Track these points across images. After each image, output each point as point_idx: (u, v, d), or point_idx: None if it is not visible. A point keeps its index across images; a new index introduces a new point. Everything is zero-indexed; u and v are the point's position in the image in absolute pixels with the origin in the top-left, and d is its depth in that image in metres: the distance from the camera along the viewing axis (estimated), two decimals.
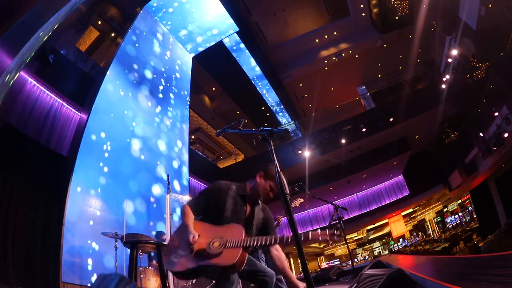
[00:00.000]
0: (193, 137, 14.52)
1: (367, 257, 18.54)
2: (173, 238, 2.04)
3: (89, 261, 4.68)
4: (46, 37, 4.30)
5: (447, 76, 10.17)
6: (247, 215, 2.08)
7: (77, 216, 4.75)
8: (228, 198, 2.03)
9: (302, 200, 4.22)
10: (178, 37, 9.46)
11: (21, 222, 4.36)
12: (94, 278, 4.55)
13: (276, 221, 3.86)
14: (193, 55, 10.12)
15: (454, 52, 9.53)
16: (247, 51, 11.83)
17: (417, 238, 15.61)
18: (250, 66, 12.63)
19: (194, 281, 4.03)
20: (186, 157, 8.12)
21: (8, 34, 3.82)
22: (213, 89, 13.86)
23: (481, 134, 9.85)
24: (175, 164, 7.61)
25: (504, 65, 7.86)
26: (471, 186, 11.71)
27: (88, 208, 4.99)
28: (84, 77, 6.36)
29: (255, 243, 1.88)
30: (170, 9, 8.71)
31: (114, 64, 6.60)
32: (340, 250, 21.18)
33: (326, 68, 14.67)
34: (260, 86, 13.93)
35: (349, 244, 5.61)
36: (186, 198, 5.48)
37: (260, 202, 2.13)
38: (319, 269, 16.33)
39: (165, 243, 4.25)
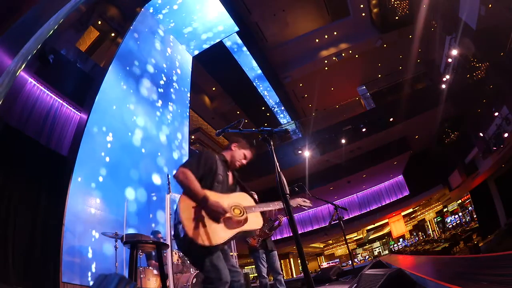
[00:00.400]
0: (193, 137, 14.51)
1: (367, 257, 18.54)
2: (187, 209, 1.83)
3: (89, 261, 4.68)
4: (46, 37, 4.29)
5: (447, 76, 10.16)
6: (231, 181, 2.19)
7: (77, 216, 4.75)
8: (218, 164, 2.09)
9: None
10: (178, 37, 9.46)
11: (21, 222, 4.36)
12: (94, 278, 4.55)
13: (278, 221, 3.86)
14: (193, 55, 10.13)
15: (454, 52, 9.51)
16: (247, 51, 11.84)
17: (417, 238, 15.61)
18: (250, 66, 12.63)
19: (194, 280, 4.03)
20: (186, 150, 8.28)
21: (8, 34, 3.82)
22: (213, 89, 13.86)
23: (481, 134, 9.84)
24: (175, 155, 7.73)
25: (504, 65, 7.85)
26: (471, 186, 11.70)
27: (88, 208, 4.99)
28: (84, 77, 6.36)
29: (268, 208, 2.11)
30: (170, 10, 8.71)
31: (115, 63, 6.63)
32: (340, 250, 21.19)
33: (326, 68, 14.67)
34: (260, 86, 13.93)
35: (349, 244, 5.60)
36: None
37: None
38: (319, 269, 16.34)
39: (163, 241, 4.26)
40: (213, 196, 1.88)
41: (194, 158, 2.04)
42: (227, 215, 1.89)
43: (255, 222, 2.01)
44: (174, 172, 1.91)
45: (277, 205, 2.16)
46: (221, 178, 2.06)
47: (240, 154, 2.22)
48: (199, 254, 1.81)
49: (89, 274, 4.60)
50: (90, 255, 4.72)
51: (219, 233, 1.83)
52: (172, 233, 2.01)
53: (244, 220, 1.95)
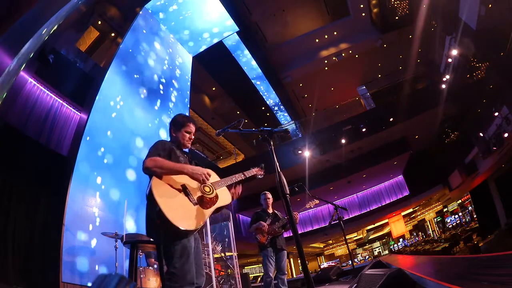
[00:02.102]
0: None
1: (367, 257, 18.55)
2: (163, 193, 1.76)
3: (89, 261, 4.68)
4: (46, 37, 4.30)
5: (447, 76, 10.17)
6: (190, 163, 2.16)
7: (77, 216, 4.75)
8: (174, 148, 2.08)
9: (317, 201, 4.22)
10: (178, 37, 9.46)
11: (21, 222, 4.36)
12: (94, 278, 4.54)
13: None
14: (193, 55, 10.13)
15: (454, 52, 9.53)
16: (247, 51, 11.84)
17: (417, 238, 15.60)
18: (250, 66, 12.64)
19: None
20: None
21: (8, 34, 3.82)
22: (213, 89, 13.86)
23: (481, 134, 9.84)
24: None
25: (504, 65, 7.85)
26: (471, 186, 11.70)
27: (88, 208, 4.99)
28: (84, 77, 6.36)
29: (232, 181, 2.14)
30: (170, 10, 8.71)
31: (114, 64, 6.61)
32: (340, 250, 21.19)
33: (326, 68, 14.68)
34: (260, 87, 13.93)
35: (349, 244, 5.60)
36: None
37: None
38: (319, 269, 16.35)
39: None
40: (180, 178, 1.89)
41: (152, 147, 2.02)
42: (198, 195, 1.88)
43: (224, 198, 2.02)
44: (142, 166, 1.88)
45: (239, 177, 2.20)
46: (183, 160, 2.07)
47: (183, 135, 2.17)
48: (174, 241, 1.73)
49: (89, 274, 4.59)
50: (90, 255, 4.72)
51: (197, 215, 1.79)
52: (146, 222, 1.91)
53: (215, 197, 1.96)
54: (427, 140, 12.97)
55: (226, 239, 6.86)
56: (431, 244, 11.57)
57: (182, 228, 1.68)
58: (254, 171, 2.41)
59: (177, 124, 2.20)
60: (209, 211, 1.88)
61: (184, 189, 1.85)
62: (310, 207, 4.18)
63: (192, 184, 1.90)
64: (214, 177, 2.07)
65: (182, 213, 1.74)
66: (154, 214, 1.70)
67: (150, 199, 1.74)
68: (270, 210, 4.10)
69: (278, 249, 3.82)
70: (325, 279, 6.16)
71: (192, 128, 2.21)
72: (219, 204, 1.96)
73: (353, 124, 11.48)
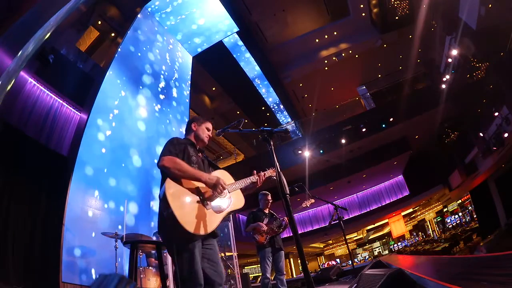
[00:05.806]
0: None
1: (367, 257, 18.54)
2: (177, 197, 1.76)
3: (89, 261, 4.68)
4: (46, 37, 4.29)
5: (447, 76, 10.17)
6: (202, 161, 2.14)
7: (77, 216, 4.75)
8: (188, 147, 2.06)
9: (313, 200, 4.21)
10: (178, 37, 9.46)
11: (21, 222, 4.36)
12: (94, 278, 4.55)
13: (284, 221, 3.87)
14: (193, 55, 10.13)
15: (454, 52, 9.53)
16: (247, 51, 11.84)
17: (417, 238, 15.61)
18: (250, 66, 12.63)
19: None
20: None
21: (8, 34, 3.82)
22: (213, 89, 13.86)
23: (481, 134, 9.85)
24: None
25: (504, 65, 7.86)
26: (471, 186, 11.70)
27: (88, 208, 4.99)
28: (84, 77, 6.35)
29: (247, 183, 2.12)
30: (170, 9, 8.71)
31: (114, 64, 6.61)
32: (340, 250, 21.19)
33: (326, 68, 14.67)
34: (260, 86, 13.93)
35: (349, 244, 5.59)
36: None
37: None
38: (319, 269, 16.36)
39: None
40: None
41: (167, 145, 1.99)
42: (213, 197, 1.87)
43: (238, 200, 2.01)
44: (159, 162, 1.84)
45: (253, 179, 2.18)
46: (195, 159, 2.05)
47: (203, 129, 2.21)
48: (183, 244, 1.74)
49: (89, 274, 4.59)
50: (90, 255, 4.72)
51: (210, 220, 1.80)
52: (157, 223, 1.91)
53: (228, 200, 1.96)
54: (427, 140, 12.97)
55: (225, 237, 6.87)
56: (431, 244, 11.58)
57: (193, 232, 1.69)
58: (269, 172, 2.32)
59: (198, 119, 2.26)
60: (221, 215, 1.87)
61: (198, 192, 1.84)
62: (307, 206, 4.18)
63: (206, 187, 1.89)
64: (228, 179, 2.06)
65: (194, 217, 1.74)
66: (165, 216, 1.71)
67: (163, 200, 1.73)
68: (267, 210, 4.10)
69: (277, 249, 3.82)
70: (325, 279, 6.17)
71: (210, 126, 2.27)
72: (232, 208, 1.95)
73: (353, 124, 11.47)
